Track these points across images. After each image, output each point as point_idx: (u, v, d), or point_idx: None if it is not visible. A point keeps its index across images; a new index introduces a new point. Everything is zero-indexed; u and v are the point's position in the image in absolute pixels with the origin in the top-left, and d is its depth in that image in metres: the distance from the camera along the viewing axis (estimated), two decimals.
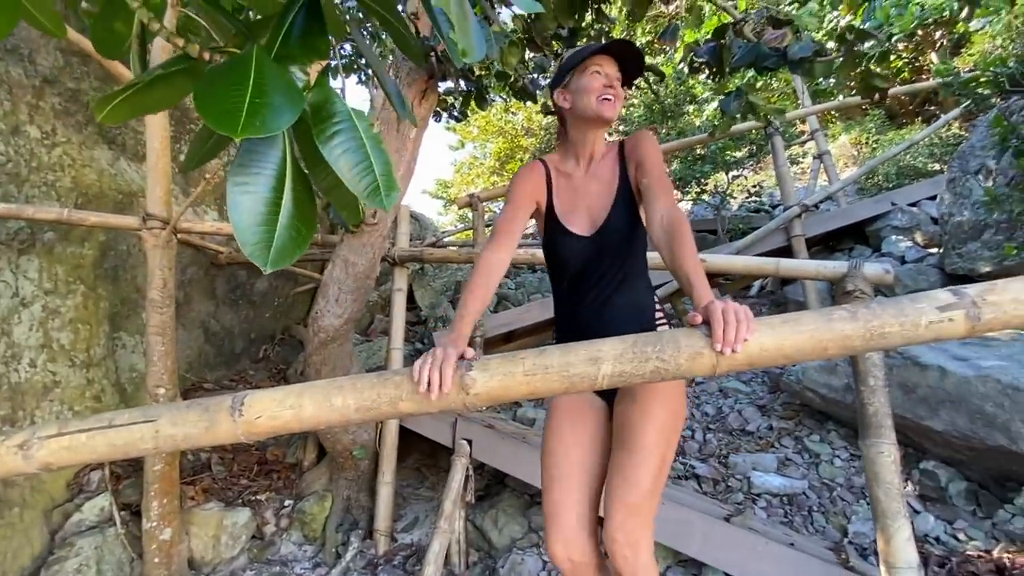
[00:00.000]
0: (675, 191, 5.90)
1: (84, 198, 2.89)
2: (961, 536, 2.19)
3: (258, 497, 2.74)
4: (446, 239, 7.15)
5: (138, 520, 2.42)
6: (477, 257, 1.21)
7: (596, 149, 1.33)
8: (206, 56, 0.70)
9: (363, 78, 5.76)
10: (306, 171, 0.73)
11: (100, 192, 3.00)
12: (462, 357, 0.96)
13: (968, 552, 2.07)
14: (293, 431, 1.03)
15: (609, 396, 1.32)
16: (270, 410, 0.98)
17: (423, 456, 3.28)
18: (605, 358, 0.92)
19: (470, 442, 2.54)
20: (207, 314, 3.81)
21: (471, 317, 1.11)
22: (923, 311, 0.90)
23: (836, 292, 1.90)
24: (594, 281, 1.30)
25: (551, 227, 1.33)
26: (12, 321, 2.48)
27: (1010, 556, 1.99)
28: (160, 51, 2.23)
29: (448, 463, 3.08)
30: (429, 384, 0.91)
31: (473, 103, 4.01)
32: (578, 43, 3.76)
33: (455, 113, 4.66)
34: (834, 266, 1.98)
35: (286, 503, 2.79)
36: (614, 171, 1.31)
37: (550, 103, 1.38)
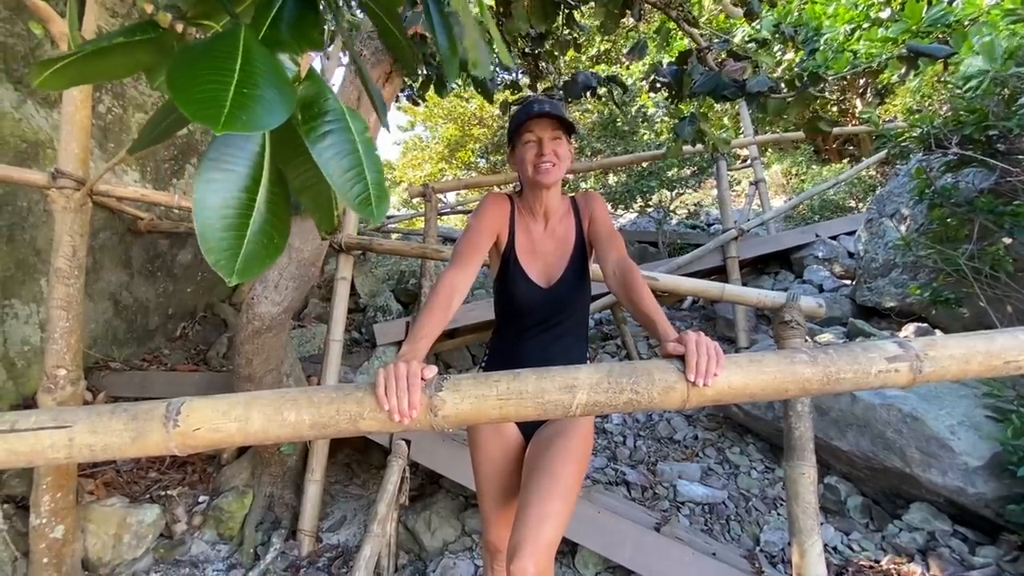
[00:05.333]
0: (621, 203, 6.07)
1: None
2: (855, 547, 2.42)
3: (169, 492, 2.51)
4: (390, 224, 6.93)
5: (25, 515, 2.14)
6: (438, 278, 1.22)
7: (550, 207, 1.40)
8: (178, 28, 0.61)
9: None
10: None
11: (0, 139, 2.62)
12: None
13: (861, 562, 2.29)
14: (235, 445, 0.94)
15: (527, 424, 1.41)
16: (212, 421, 0.88)
17: (354, 452, 3.16)
18: (581, 387, 0.91)
19: (408, 442, 2.47)
20: (119, 285, 3.44)
21: (428, 340, 1.08)
22: (874, 360, 0.96)
23: (774, 321, 2.02)
24: (541, 320, 1.40)
25: (511, 268, 1.39)
26: None
27: (896, 567, 2.22)
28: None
29: (381, 460, 2.99)
30: (398, 407, 0.86)
31: (432, 88, 3.89)
32: (546, 45, 3.76)
33: (412, 95, 4.50)
34: (774, 296, 2.10)
35: (200, 499, 2.58)
36: (570, 229, 1.41)
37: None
